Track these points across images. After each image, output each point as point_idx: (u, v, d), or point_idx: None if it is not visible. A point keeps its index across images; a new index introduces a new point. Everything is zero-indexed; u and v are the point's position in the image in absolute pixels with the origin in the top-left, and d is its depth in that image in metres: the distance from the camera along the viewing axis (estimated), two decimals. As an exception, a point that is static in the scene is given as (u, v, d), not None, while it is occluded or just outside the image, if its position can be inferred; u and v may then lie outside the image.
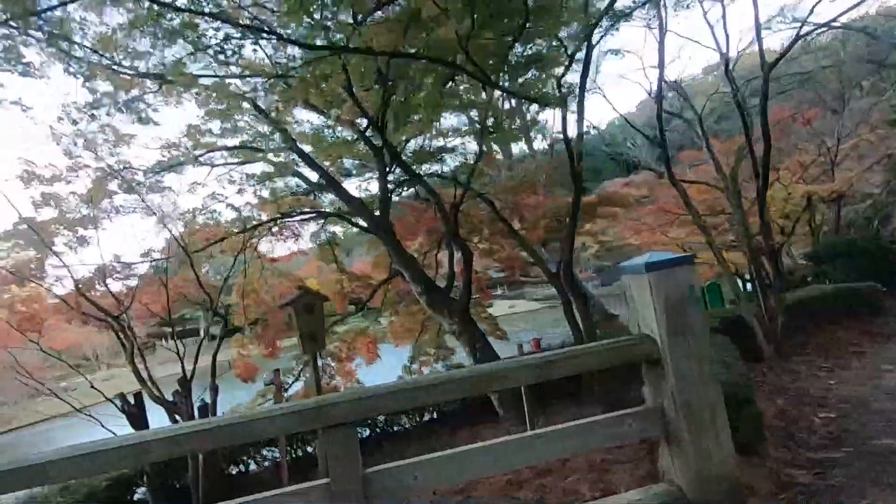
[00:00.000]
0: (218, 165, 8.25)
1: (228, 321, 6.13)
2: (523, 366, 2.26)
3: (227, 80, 6.71)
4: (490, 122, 10.94)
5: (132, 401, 4.93)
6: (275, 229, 9.53)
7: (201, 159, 7.66)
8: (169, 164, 7.66)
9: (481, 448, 2.21)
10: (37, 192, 7.11)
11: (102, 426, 5.04)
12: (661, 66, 7.01)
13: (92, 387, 5.03)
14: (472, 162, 10.03)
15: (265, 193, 9.04)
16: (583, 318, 6.09)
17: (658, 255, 2.42)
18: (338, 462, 2.03)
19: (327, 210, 9.00)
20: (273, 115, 6.65)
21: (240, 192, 8.08)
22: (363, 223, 8.43)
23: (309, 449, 6.39)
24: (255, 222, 8.04)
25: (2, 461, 1.75)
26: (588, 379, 6.07)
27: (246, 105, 6.60)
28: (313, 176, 9.13)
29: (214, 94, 6.05)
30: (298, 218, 8.64)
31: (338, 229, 11.56)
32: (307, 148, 8.77)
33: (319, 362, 9.00)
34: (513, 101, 10.76)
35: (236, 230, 7.73)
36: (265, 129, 7.27)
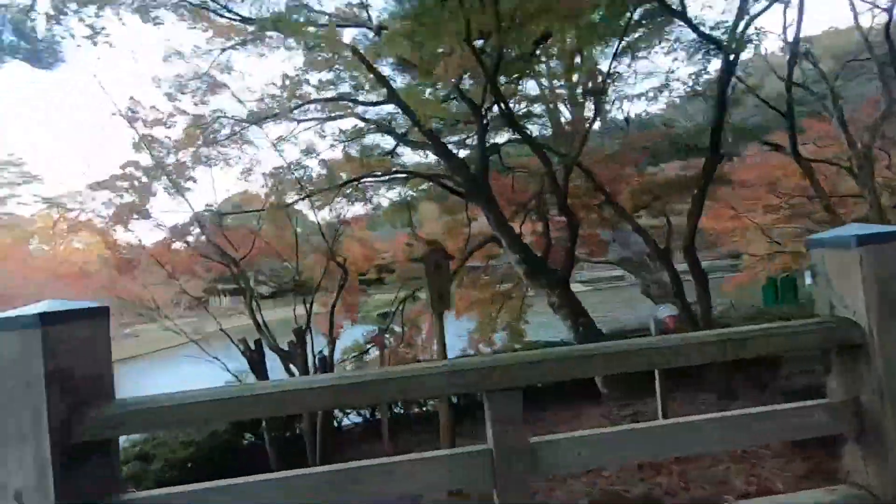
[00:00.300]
0: (305, 120, 8.12)
1: (348, 271, 6.02)
2: (708, 342, 2.01)
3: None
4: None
5: (252, 346, 4.93)
6: (347, 191, 9.40)
7: (293, 112, 7.52)
8: (263, 116, 7.57)
9: (653, 428, 2.01)
10: (138, 134, 7.18)
11: (227, 369, 5.09)
12: (798, 22, 6.25)
13: (221, 329, 5.06)
14: (554, 129, 9.52)
15: (352, 151, 8.89)
16: (700, 300, 5.68)
17: (864, 227, 2.10)
18: (503, 429, 1.85)
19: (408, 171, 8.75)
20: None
21: (332, 147, 7.92)
22: (446, 184, 8.14)
23: (397, 410, 6.34)
24: (342, 180, 7.90)
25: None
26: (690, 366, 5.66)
27: (347, 54, 6.34)
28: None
29: (322, 45, 5.82)
30: (387, 177, 8.43)
31: (393, 195, 11.28)
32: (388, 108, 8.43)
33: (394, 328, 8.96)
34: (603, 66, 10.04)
35: (325, 186, 7.61)
36: (364, 82, 7.01)
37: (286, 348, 4.89)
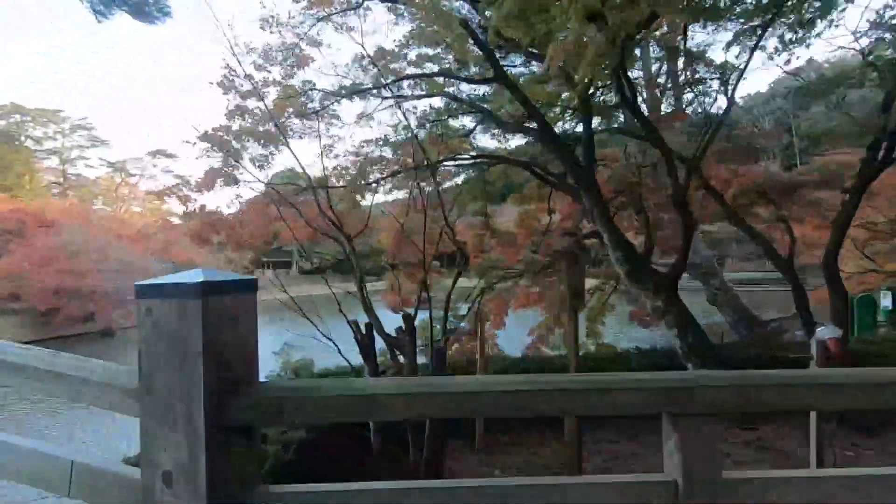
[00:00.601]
0: (395, 97, 7.84)
1: (467, 255, 5.76)
2: None
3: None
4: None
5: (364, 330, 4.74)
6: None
7: (386, 89, 7.27)
8: (353, 90, 7.36)
9: (874, 477, 1.66)
10: (232, 103, 7.15)
11: (339, 352, 4.94)
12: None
13: (340, 311, 4.89)
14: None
15: (429, 133, 8.59)
16: (837, 317, 5.11)
17: None
18: (693, 458, 1.55)
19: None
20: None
21: (421, 125, 7.65)
22: (537, 171, 7.71)
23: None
24: (426, 161, 7.62)
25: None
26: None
27: (459, 29, 5.97)
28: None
29: (434, 16, 5.50)
30: (472, 160, 8.10)
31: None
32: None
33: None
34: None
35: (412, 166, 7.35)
36: (469, 58, 6.67)
37: (395, 335, 4.68)
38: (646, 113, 10.98)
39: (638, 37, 7.76)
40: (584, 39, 5.65)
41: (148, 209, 39.86)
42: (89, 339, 22.21)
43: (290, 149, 6.58)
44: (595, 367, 8.32)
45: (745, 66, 6.24)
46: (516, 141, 10.57)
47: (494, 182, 9.64)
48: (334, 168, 8.72)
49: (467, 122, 9.51)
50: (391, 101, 8.36)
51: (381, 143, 7.68)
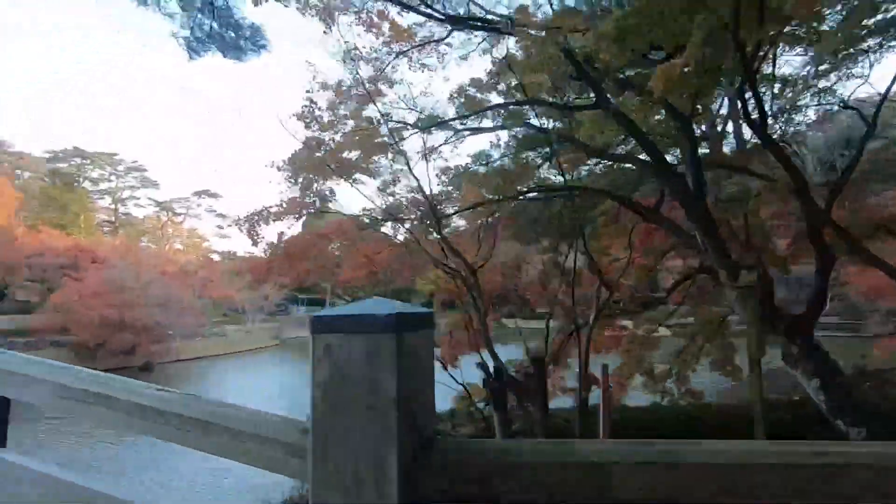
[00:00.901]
0: (467, 128, 7.65)
1: (612, 292, 5.24)
2: None
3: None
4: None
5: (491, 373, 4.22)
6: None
7: (467, 120, 7.08)
8: (429, 123, 7.20)
9: None
10: (311, 133, 7.09)
11: (472, 401, 4.44)
12: None
13: (479, 353, 4.41)
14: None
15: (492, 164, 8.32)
16: None
17: None
18: None
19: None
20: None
21: (503, 157, 7.40)
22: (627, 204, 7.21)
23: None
24: (509, 194, 7.31)
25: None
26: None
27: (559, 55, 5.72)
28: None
29: (539, 43, 5.28)
30: (548, 193, 7.73)
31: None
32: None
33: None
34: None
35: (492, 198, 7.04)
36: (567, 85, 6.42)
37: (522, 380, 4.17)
38: (699, 150, 10.47)
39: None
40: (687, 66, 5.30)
41: (189, 246, 41.11)
42: (129, 373, 22.33)
43: (410, 172, 6.36)
44: (689, 417, 7.60)
45: (887, 92, 5.71)
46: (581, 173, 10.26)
47: (563, 216, 9.24)
48: (390, 203, 8.49)
49: (532, 155, 9.27)
50: (459, 133, 8.20)
51: (461, 171, 7.44)
